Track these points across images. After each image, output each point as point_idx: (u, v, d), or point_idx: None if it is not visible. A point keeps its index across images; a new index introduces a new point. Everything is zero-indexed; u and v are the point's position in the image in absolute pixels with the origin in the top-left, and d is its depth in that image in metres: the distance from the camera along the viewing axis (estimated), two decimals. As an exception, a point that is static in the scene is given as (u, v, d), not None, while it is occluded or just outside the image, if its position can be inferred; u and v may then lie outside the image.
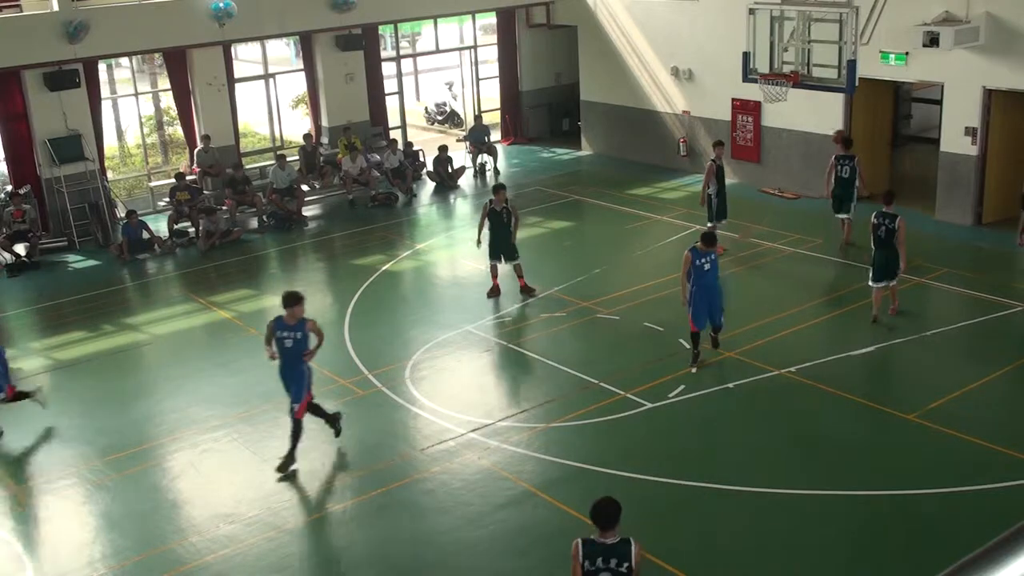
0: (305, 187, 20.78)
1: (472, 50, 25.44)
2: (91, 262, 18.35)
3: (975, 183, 17.09)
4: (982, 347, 13.07)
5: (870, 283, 13.37)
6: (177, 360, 13.92)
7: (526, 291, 15.01)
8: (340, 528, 9.58)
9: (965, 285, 14.54)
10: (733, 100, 20.33)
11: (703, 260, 11.96)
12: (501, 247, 14.85)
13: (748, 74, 15.27)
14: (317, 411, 10.88)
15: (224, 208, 19.31)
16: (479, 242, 15.04)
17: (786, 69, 14.75)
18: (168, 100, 21.99)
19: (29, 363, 13.95)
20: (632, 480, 10.06)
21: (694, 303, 12.05)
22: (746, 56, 15.19)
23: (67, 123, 18.92)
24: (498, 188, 15.03)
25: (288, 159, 20.64)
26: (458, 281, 16.76)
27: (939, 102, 18.10)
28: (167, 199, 19.62)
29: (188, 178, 20.03)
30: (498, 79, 25.35)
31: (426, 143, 24.22)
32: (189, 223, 19.14)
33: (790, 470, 10.17)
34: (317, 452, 11.05)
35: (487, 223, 14.86)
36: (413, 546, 9.25)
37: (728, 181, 20.54)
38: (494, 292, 15.09)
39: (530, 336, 13.77)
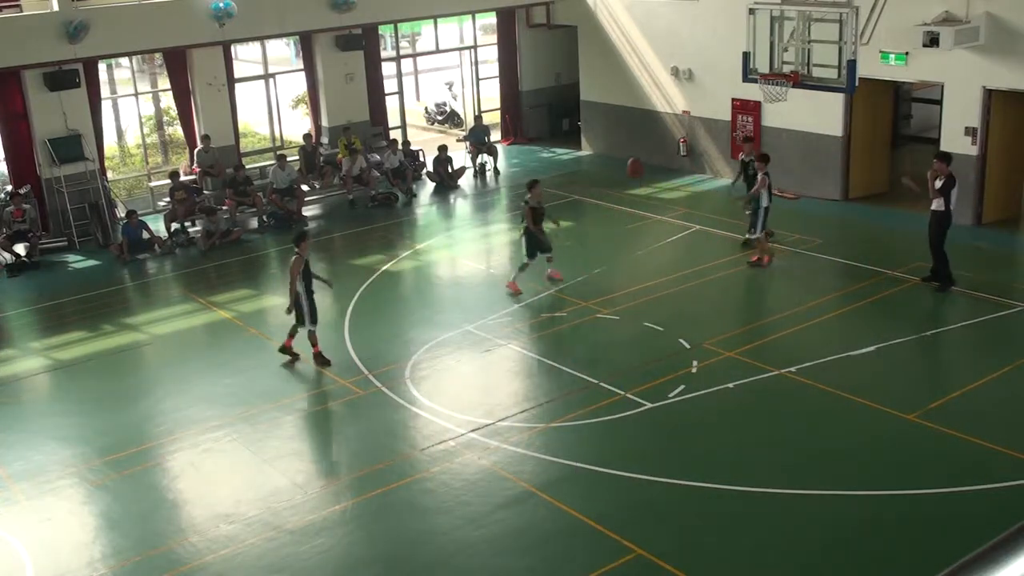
0: (305, 187, 20.78)
1: (472, 50, 25.44)
2: (91, 262, 18.34)
3: (975, 183, 17.08)
4: (982, 347, 13.07)
5: (762, 234, 15.56)
6: (177, 360, 13.92)
7: (319, 361, 13.08)
8: (340, 528, 9.57)
9: (965, 285, 14.52)
10: (733, 100, 20.33)
11: None
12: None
13: (748, 74, 15.27)
14: None
15: (224, 208, 19.31)
16: (289, 310, 13.09)
17: (786, 69, 14.75)
18: (168, 100, 21.99)
19: (29, 363, 13.96)
20: (632, 480, 10.06)
21: None
22: (746, 56, 15.19)
23: (67, 123, 18.91)
24: (299, 237, 13.28)
25: (288, 159, 20.63)
26: (458, 281, 16.76)
27: (939, 102, 18.10)
28: (167, 200, 19.61)
29: (187, 178, 20.03)
30: (498, 79, 25.36)
31: (426, 143, 24.23)
32: (188, 223, 19.13)
33: (790, 470, 10.17)
34: (317, 452, 11.06)
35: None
36: (413, 546, 9.25)
37: (729, 181, 20.74)
38: (317, 362, 13.04)
39: (530, 336, 13.77)
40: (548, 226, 15.34)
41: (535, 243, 15.17)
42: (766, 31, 14.93)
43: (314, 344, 13.16)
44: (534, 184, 15.35)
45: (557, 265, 15.41)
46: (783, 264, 16.07)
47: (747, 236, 16.09)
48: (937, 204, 14.12)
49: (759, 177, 15.56)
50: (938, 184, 14.02)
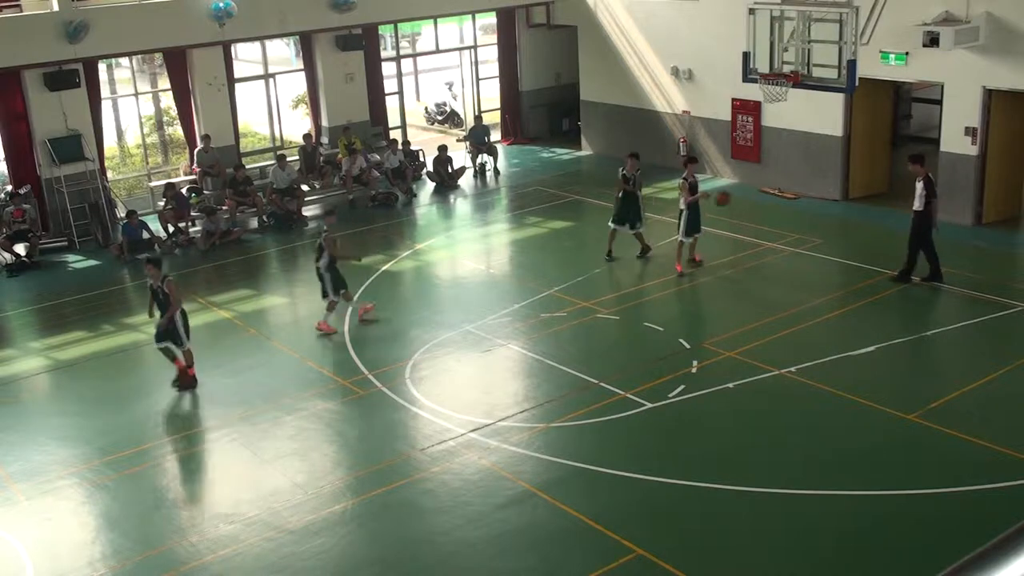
0: (305, 187, 20.78)
1: (472, 50, 25.43)
2: (91, 262, 18.34)
3: (975, 183, 17.09)
4: (982, 347, 13.07)
5: (684, 238, 15.39)
6: (177, 360, 13.90)
7: (183, 380, 12.59)
8: (340, 528, 9.57)
9: (965, 285, 14.54)
10: (733, 100, 20.33)
11: None
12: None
13: (748, 74, 15.27)
14: None
15: (224, 208, 19.30)
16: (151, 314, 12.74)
17: (786, 69, 14.75)
18: (168, 100, 21.99)
19: (29, 363, 13.96)
20: (632, 480, 10.06)
21: None
22: (746, 56, 15.18)
23: (67, 123, 18.91)
24: (149, 262, 12.80)
25: (288, 159, 20.63)
26: (458, 281, 16.76)
27: (939, 102, 18.11)
28: (163, 202, 19.55)
29: (186, 178, 19.97)
30: (498, 79, 25.36)
31: (426, 143, 24.23)
32: (188, 224, 19.13)
33: (790, 470, 10.17)
34: (317, 452, 11.06)
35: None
36: (413, 546, 9.25)
37: (729, 181, 20.75)
38: (188, 383, 12.56)
39: (530, 336, 13.77)
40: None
41: (338, 278, 14.08)
42: (766, 31, 14.92)
43: (190, 365, 12.63)
44: (331, 212, 14.76)
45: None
46: (783, 265, 16.07)
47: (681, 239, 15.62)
48: (918, 204, 14.34)
49: (699, 190, 15.55)
50: (919, 186, 14.25)
